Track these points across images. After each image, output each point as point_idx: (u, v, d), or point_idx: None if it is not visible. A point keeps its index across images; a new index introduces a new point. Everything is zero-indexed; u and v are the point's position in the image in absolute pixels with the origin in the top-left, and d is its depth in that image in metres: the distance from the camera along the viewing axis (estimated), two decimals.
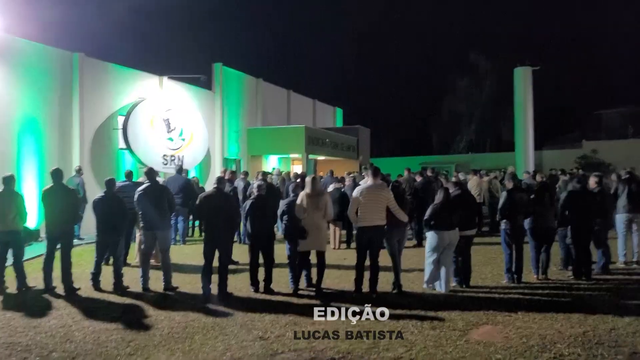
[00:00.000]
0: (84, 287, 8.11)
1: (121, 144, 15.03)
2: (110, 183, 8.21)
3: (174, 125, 16.49)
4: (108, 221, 8.08)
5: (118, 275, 8.08)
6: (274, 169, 22.20)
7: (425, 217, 7.72)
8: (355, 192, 7.58)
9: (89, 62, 14.20)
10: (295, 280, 7.92)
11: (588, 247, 8.61)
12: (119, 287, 8.01)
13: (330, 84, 47.10)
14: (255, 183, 8.16)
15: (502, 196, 8.45)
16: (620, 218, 9.63)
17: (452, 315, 6.41)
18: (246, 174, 12.10)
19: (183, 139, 16.90)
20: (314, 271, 8.85)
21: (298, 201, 7.68)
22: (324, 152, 22.62)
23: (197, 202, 7.75)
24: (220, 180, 7.88)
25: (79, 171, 12.43)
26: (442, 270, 7.65)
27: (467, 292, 7.75)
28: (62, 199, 7.98)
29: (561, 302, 7.09)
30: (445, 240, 7.59)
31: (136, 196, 8.09)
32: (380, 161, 31.92)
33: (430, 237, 7.72)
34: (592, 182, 9.24)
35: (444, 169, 28.11)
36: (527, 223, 8.51)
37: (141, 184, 9.68)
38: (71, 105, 13.71)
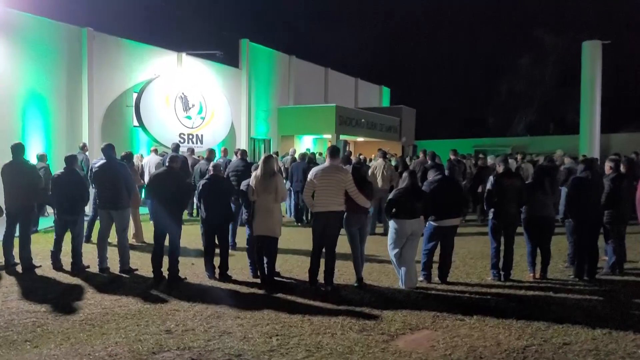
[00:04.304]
0: (45, 266, 7.92)
1: (135, 121, 14.88)
2: (70, 159, 7.89)
3: (192, 103, 16.20)
4: (65, 199, 7.79)
5: (76, 255, 7.81)
6: (308, 150, 21.65)
7: (386, 204, 6.91)
8: (310, 174, 6.87)
9: (98, 37, 14.05)
10: (254, 266, 7.39)
11: (594, 243, 7.50)
12: (77, 267, 7.74)
13: (378, 62, 45.05)
14: (212, 163, 7.58)
15: (489, 182, 7.46)
16: None
17: (396, 316, 5.64)
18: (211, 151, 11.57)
19: (202, 118, 16.59)
20: (280, 258, 8.37)
21: (251, 183, 7.09)
22: (359, 132, 21.76)
23: (147, 181, 7.30)
24: (172, 159, 7.38)
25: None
26: (404, 265, 6.84)
27: (437, 290, 6.90)
28: (20, 176, 7.75)
29: (534, 306, 6.12)
30: (406, 231, 6.76)
31: (91, 173, 7.76)
32: (427, 143, 30.50)
33: (391, 226, 6.91)
34: (607, 167, 8.03)
35: (499, 152, 26.55)
36: (522, 213, 7.53)
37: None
38: (80, 81, 13.66)
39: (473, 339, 4.87)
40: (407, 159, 17.06)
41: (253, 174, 7.19)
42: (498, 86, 37.87)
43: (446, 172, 12.48)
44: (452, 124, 39.38)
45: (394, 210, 6.86)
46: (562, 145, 26.30)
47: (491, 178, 7.46)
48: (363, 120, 21.90)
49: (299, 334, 5.10)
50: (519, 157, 15.09)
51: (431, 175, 7.59)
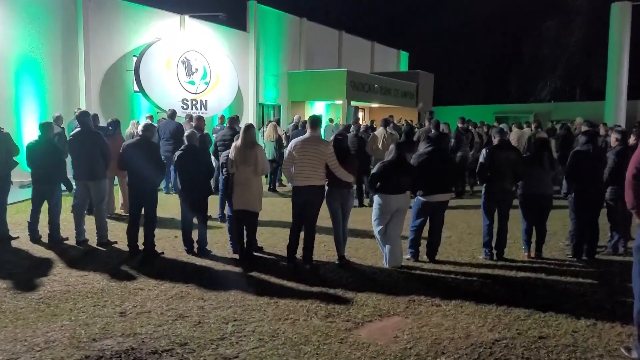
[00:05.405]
0: (23, 237, 7.72)
1: (135, 87, 14.53)
2: (45, 127, 7.56)
3: (195, 67, 15.76)
4: (41, 169, 7.50)
5: (53, 226, 7.57)
6: (320, 115, 21.10)
7: (370, 178, 6.48)
8: (289, 146, 6.46)
9: None
10: (234, 242, 7.08)
11: (594, 220, 7.00)
12: (54, 239, 7.52)
13: (396, 25, 43.00)
14: (186, 132, 7.19)
15: (481, 154, 6.94)
16: None
17: (369, 300, 5.28)
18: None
19: (207, 83, 16.15)
20: (268, 231, 8.17)
21: (230, 154, 6.71)
22: (372, 98, 21.10)
23: (120, 150, 6.97)
24: (146, 128, 7.02)
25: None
26: (388, 242, 6.44)
27: (422, 269, 6.50)
28: None
29: (521, 291, 5.71)
30: (391, 206, 6.35)
31: (68, 143, 7.47)
32: (445, 110, 29.67)
33: (375, 201, 6.50)
34: (613, 139, 7.43)
35: (520, 119, 25.59)
36: (518, 189, 7.05)
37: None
38: (76, 45, 13.28)
39: (442, 330, 4.48)
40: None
41: (233, 145, 6.81)
42: (522, 50, 36.41)
43: (452, 142, 12.14)
44: (473, 89, 38.16)
45: (378, 184, 6.44)
46: (587, 113, 25.18)
47: (484, 150, 6.96)
48: (376, 85, 21.22)
49: (258, 319, 4.77)
50: (533, 126, 14.31)
51: (422, 147, 7.12)
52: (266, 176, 12.73)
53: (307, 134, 6.46)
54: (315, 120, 6.47)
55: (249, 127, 6.74)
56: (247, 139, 6.61)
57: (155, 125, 9.60)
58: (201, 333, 4.45)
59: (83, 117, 7.46)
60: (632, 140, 7.73)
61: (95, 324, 4.65)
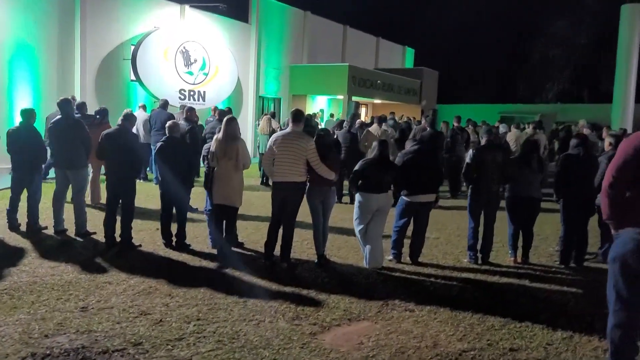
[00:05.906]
0: (1, 225, 7.60)
1: (132, 75, 14.36)
2: (26, 113, 7.41)
3: (194, 58, 15.57)
4: (21, 155, 7.36)
5: (32, 215, 7.43)
6: (321, 110, 20.90)
7: (351, 175, 6.29)
8: (270, 140, 6.28)
9: None
10: (213, 236, 6.92)
11: (584, 226, 6.79)
12: (32, 227, 7.39)
13: (403, 20, 42.23)
14: (168, 123, 7.01)
15: (468, 155, 6.73)
16: None
17: (341, 302, 5.10)
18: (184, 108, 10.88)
19: (205, 74, 15.96)
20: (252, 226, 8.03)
21: (212, 147, 6.53)
22: (375, 94, 20.85)
23: (99, 140, 6.81)
24: (126, 117, 6.85)
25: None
26: (369, 242, 6.25)
27: (403, 271, 6.31)
28: None
29: (501, 298, 5.51)
30: (372, 206, 6.16)
31: (47, 130, 7.32)
32: (449, 108, 29.23)
33: (356, 200, 6.32)
34: (607, 143, 7.21)
35: (526, 119, 25.26)
36: (505, 191, 6.84)
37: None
38: (72, 31, 13.07)
39: (409, 337, 4.29)
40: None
41: (214, 137, 6.64)
42: (530, 50, 35.94)
43: (447, 140, 11.93)
44: (479, 88, 37.67)
45: (360, 182, 6.26)
46: (594, 115, 24.82)
47: (470, 151, 6.75)
48: (379, 81, 20.96)
49: (222, 319, 4.60)
50: (530, 127, 14.01)
51: (408, 145, 6.93)
52: (259, 169, 12.57)
53: (288, 129, 6.28)
54: (298, 115, 6.28)
55: (231, 120, 6.57)
56: (229, 133, 6.44)
57: (135, 114, 9.46)
58: (159, 332, 4.29)
59: (64, 105, 7.29)
60: None
61: (53, 318, 4.50)
